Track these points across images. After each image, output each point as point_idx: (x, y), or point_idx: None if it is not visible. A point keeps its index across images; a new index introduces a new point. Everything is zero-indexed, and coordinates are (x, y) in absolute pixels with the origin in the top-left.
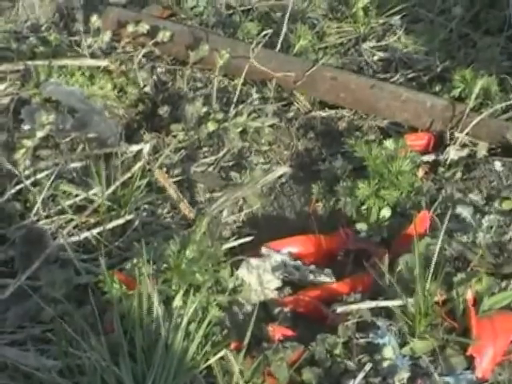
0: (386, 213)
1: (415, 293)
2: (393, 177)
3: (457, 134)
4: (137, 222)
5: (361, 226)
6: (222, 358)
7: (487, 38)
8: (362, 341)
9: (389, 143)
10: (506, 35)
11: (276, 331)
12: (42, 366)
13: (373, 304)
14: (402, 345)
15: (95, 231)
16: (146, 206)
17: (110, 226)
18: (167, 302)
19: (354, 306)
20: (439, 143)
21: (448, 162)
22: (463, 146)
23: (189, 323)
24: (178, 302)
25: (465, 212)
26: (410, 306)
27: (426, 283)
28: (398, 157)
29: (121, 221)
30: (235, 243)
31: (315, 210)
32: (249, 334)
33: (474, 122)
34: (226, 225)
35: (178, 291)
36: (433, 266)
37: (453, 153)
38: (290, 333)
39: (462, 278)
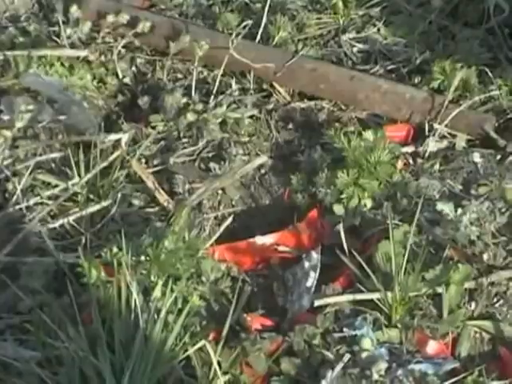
0: (368, 202)
1: (392, 284)
2: (371, 167)
3: (436, 126)
4: (113, 210)
5: (338, 209)
6: (200, 348)
7: (466, 30)
8: (340, 333)
9: (368, 134)
10: (485, 27)
11: (254, 321)
12: (20, 356)
13: (350, 297)
14: (378, 333)
15: (72, 218)
16: (125, 197)
17: (88, 211)
18: (146, 292)
19: (331, 299)
20: (419, 135)
21: (427, 154)
22: (442, 137)
23: (167, 314)
24: (157, 292)
25: (445, 207)
26: (387, 296)
27: (402, 273)
28: (376, 147)
29: (97, 207)
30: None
31: (293, 200)
32: (227, 325)
33: (452, 114)
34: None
35: (157, 282)
36: (407, 255)
37: (432, 144)
38: (268, 322)
39: (440, 269)
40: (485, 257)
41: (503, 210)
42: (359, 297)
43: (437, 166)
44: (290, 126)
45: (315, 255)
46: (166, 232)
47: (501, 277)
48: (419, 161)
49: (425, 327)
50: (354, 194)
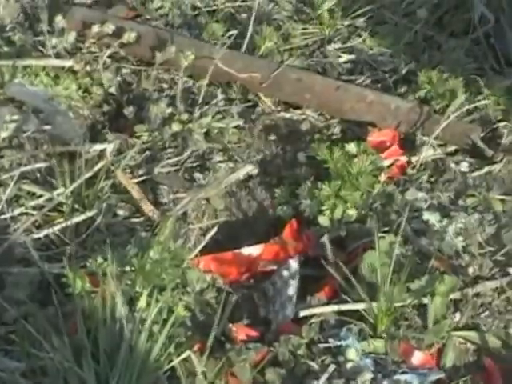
0: (352, 212)
1: (378, 294)
2: (353, 178)
3: (424, 138)
4: (98, 220)
5: (322, 220)
6: (185, 359)
7: (452, 40)
8: (325, 344)
9: (351, 147)
10: (470, 37)
11: (239, 332)
12: (5, 367)
13: (336, 308)
14: (364, 344)
15: (57, 228)
16: (110, 207)
17: (73, 221)
18: (131, 302)
19: (316, 310)
20: (404, 145)
21: (414, 165)
22: (430, 148)
23: (152, 324)
24: (142, 302)
25: (431, 217)
26: (373, 307)
27: (387, 284)
28: (359, 159)
29: (82, 217)
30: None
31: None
32: (212, 335)
33: (441, 126)
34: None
35: (142, 292)
36: (392, 265)
37: (419, 155)
38: (253, 333)
39: (425, 279)
40: (470, 270)
41: (492, 221)
42: (344, 307)
43: (425, 177)
44: (275, 135)
45: (293, 264)
46: (151, 242)
47: (486, 287)
48: (408, 172)
49: (410, 338)
50: (335, 206)
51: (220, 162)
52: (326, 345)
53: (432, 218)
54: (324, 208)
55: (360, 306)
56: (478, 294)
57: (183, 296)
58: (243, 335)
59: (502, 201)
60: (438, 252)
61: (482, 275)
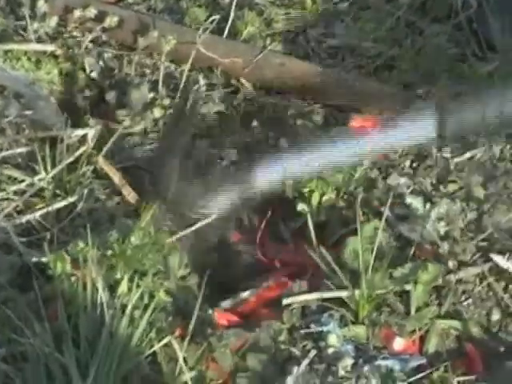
0: (329, 198)
1: (359, 280)
2: None
3: None
4: (80, 206)
5: (302, 207)
6: (166, 344)
7: (434, 25)
8: (306, 329)
9: (334, 130)
10: (453, 23)
11: (220, 317)
12: None
13: (318, 295)
14: (345, 330)
15: (38, 214)
16: (92, 193)
17: (54, 207)
18: (112, 288)
19: (300, 298)
20: None
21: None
22: None
23: (134, 310)
24: (123, 288)
25: (414, 201)
26: (354, 293)
27: (369, 270)
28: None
29: (63, 203)
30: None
31: None
32: (193, 321)
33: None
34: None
35: (123, 277)
36: (375, 251)
37: None
38: (234, 318)
39: (408, 267)
40: (451, 256)
41: (473, 206)
42: (327, 295)
43: (407, 163)
44: (258, 121)
45: None
46: (133, 228)
47: (468, 274)
48: (390, 157)
49: (392, 324)
50: (317, 188)
51: (202, 147)
52: (307, 330)
53: (415, 201)
54: (305, 190)
55: (343, 294)
56: (460, 281)
57: (164, 281)
58: (224, 320)
59: (484, 186)
60: (420, 238)
61: (464, 261)
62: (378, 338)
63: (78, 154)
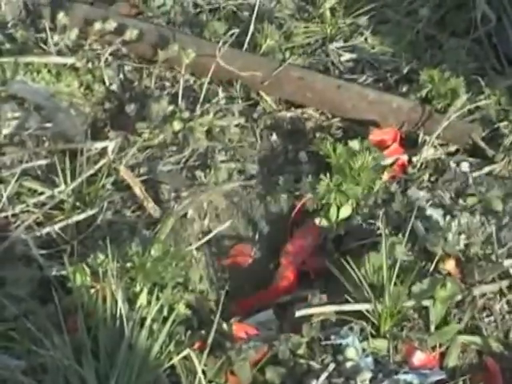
0: (346, 211)
1: (383, 295)
2: (355, 173)
3: (425, 137)
4: (100, 219)
5: (322, 222)
6: (185, 357)
7: (454, 39)
8: (325, 341)
9: (353, 143)
10: (472, 37)
11: (239, 329)
12: (5, 365)
13: (336, 308)
14: (365, 343)
15: (57, 226)
16: (112, 205)
17: (74, 220)
18: (132, 300)
19: (316, 310)
20: (406, 144)
21: (415, 164)
22: (431, 147)
23: (153, 322)
24: (142, 300)
25: (435, 214)
26: (377, 307)
27: (392, 285)
28: (361, 154)
29: (83, 215)
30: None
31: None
32: (212, 333)
33: (443, 126)
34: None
35: (143, 290)
36: (398, 266)
37: (419, 155)
38: (253, 331)
39: (427, 283)
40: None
41: (492, 220)
42: (347, 308)
43: (426, 177)
44: (277, 134)
45: None
46: (153, 240)
47: (488, 289)
48: (409, 170)
49: (413, 339)
50: (335, 200)
51: (222, 161)
52: (326, 342)
53: (435, 213)
54: (324, 202)
55: (364, 307)
56: (480, 296)
57: (184, 294)
58: (242, 333)
59: (503, 200)
60: (442, 251)
61: (484, 276)
62: (399, 352)
63: (98, 166)
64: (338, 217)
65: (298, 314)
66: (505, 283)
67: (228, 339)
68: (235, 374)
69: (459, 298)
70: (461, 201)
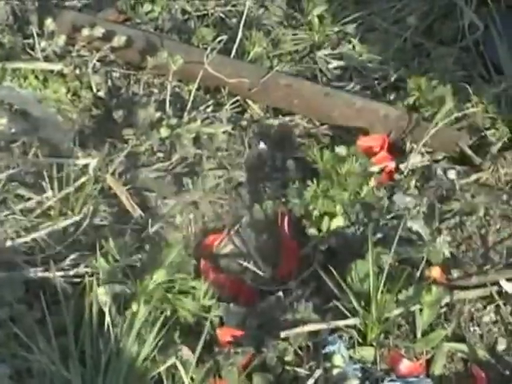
0: (338, 222)
1: (370, 304)
2: (342, 178)
3: (413, 145)
4: (85, 223)
5: (312, 232)
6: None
7: (441, 47)
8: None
9: (340, 149)
10: (460, 45)
11: (225, 334)
12: None
13: (322, 326)
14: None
15: (44, 232)
16: (98, 211)
17: (60, 225)
18: (119, 306)
19: (301, 329)
20: (393, 152)
21: (402, 171)
22: (418, 154)
23: (140, 328)
24: (130, 306)
25: (419, 220)
26: (364, 316)
27: (379, 294)
28: (348, 160)
29: (70, 221)
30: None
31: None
32: (202, 339)
33: (430, 133)
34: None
35: (132, 296)
36: (384, 276)
37: (407, 162)
38: (238, 333)
39: (413, 290)
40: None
41: (479, 227)
42: (338, 323)
43: (412, 183)
44: (264, 141)
45: None
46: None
47: (474, 296)
48: (396, 177)
49: (400, 346)
50: (324, 206)
51: (210, 168)
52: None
53: (417, 225)
54: (311, 207)
55: (352, 322)
56: (466, 302)
57: (172, 299)
58: (229, 337)
59: (489, 208)
60: (426, 260)
61: (470, 283)
62: (385, 360)
63: (80, 182)
64: (328, 228)
65: (283, 335)
66: (490, 290)
67: (215, 343)
68: (223, 379)
69: (445, 303)
70: (446, 207)
